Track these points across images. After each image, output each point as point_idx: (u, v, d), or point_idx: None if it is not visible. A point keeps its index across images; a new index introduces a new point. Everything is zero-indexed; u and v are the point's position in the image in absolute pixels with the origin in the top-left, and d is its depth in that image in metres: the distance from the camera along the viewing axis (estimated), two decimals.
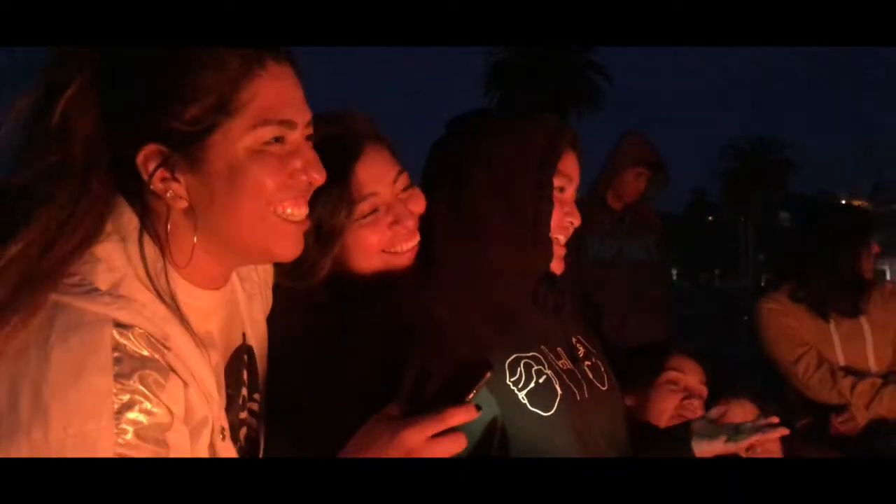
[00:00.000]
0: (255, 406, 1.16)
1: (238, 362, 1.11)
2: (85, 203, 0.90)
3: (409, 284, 1.30)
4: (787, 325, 2.87)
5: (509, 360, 1.24)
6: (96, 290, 0.88)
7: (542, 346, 1.30)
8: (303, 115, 0.99)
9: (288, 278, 1.28)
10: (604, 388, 1.38)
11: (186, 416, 0.92)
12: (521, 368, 1.24)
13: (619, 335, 3.12)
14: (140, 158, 0.91)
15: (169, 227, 0.95)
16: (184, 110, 0.90)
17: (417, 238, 1.34)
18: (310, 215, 1.05)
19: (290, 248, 1.03)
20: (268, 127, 0.94)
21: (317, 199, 1.05)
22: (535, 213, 1.31)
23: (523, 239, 1.31)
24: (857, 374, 2.78)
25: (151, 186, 0.92)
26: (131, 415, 0.84)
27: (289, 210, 0.99)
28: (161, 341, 0.90)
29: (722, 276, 56.08)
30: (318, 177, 1.01)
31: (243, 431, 1.12)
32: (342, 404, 1.20)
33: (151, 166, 0.91)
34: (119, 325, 0.87)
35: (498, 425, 1.19)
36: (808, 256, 2.89)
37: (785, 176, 47.69)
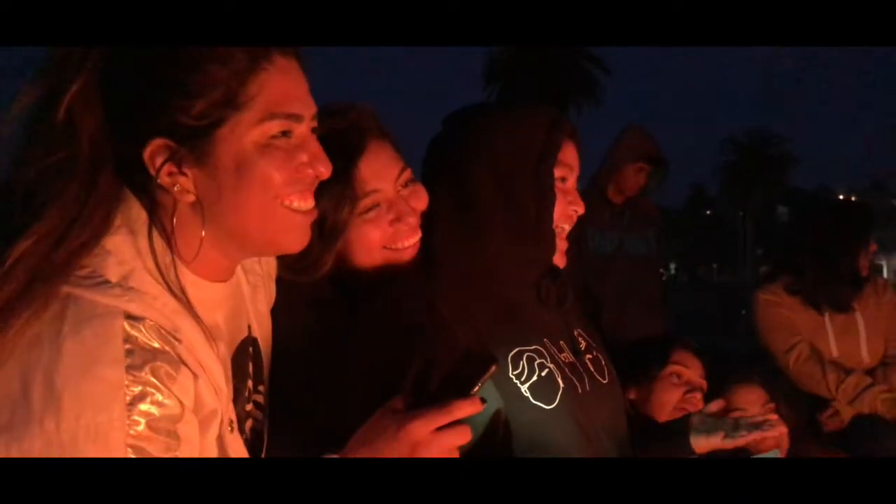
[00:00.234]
0: (259, 398, 1.17)
1: (244, 354, 1.11)
2: (94, 199, 0.90)
3: (412, 280, 1.31)
4: (782, 315, 2.91)
5: (512, 353, 1.25)
6: (107, 282, 0.88)
7: (545, 340, 1.31)
8: (309, 109, 0.99)
9: (290, 272, 1.28)
10: (604, 382, 1.39)
11: (196, 408, 0.92)
12: (523, 362, 1.25)
13: (617, 328, 3.13)
14: (147, 153, 0.91)
15: (175, 220, 0.96)
16: (191, 105, 0.90)
17: (419, 234, 1.34)
18: (315, 207, 1.06)
19: (297, 238, 1.03)
20: (275, 121, 0.94)
21: (320, 194, 1.05)
22: (537, 207, 1.31)
23: (525, 233, 1.32)
24: (846, 370, 2.82)
25: (159, 180, 0.92)
26: (143, 406, 0.84)
27: (295, 203, 0.99)
28: (172, 333, 0.91)
29: (720, 270, 56.11)
30: (325, 170, 1.01)
31: (249, 423, 1.13)
32: (346, 399, 1.21)
33: (159, 161, 0.92)
34: (130, 317, 0.87)
35: (501, 418, 1.20)
36: (806, 251, 2.92)
37: (784, 171, 47.64)
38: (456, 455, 1.03)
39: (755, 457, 1.50)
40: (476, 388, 1.03)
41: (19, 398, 0.81)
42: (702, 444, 1.58)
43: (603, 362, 1.42)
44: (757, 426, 1.56)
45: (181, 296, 0.94)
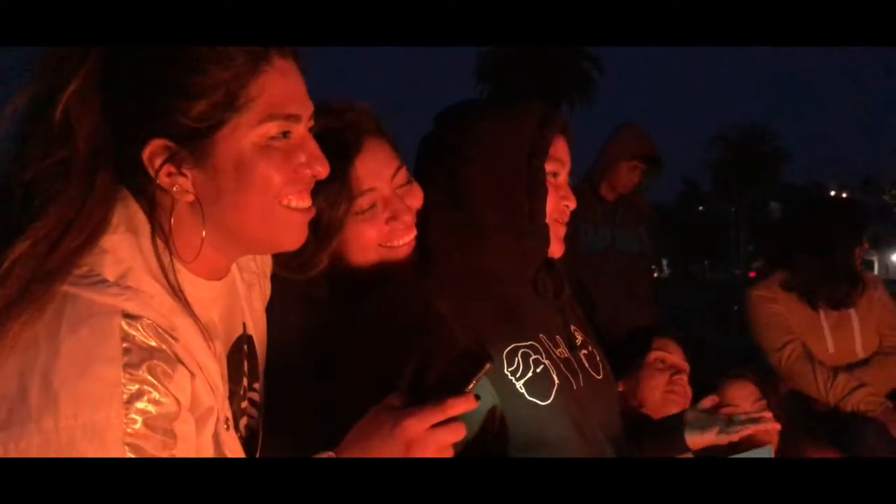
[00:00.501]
0: (255, 396, 1.17)
1: (239, 352, 1.12)
2: (91, 200, 0.90)
3: (408, 278, 1.31)
4: (775, 312, 2.92)
5: (507, 349, 1.25)
6: (104, 281, 0.89)
7: (541, 335, 1.31)
8: (306, 109, 1.00)
9: (286, 269, 1.29)
10: (599, 378, 1.39)
11: (193, 407, 0.93)
12: (518, 358, 1.25)
13: (609, 324, 3.14)
14: (146, 154, 0.92)
15: (174, 220, 0.96)
16: (191, 106, 0.90)
17: (415, 232, 1.35)
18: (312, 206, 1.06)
19: (295, 237, 1.04)
20: (274, 122, 0.94)
21: (317, 193, 1.06)
22: (530, 203, 1.32)
23: (519, 228, 1.32)
24: (835, 369, 2.84)
25: (158, 181, 0.93)
26: (140, 405, 0.85)
27: (294, 202, 1.00)
28: (168, 332, 0.91)
29: (712, 267, 56.25)
30: (322, 170, 1.02)
31: (244, 421, 1.13)
32: (341, 396, 1.21)
33: (158, 162, 0.92)
34: (127, 315, 0.87)
35: (497, 414, 1.20)
36: (802, 247, 2.93)
37: (776, 167, 47.75)
38: (451, 452, 1.03)
39: (747, 453, 1.51)
40: (471, 386, 1.04)
41: (17, 397, 0.81)
42: (696, 440, 1.59)
43: (597, 358, 1.43)
44: (750, 422, 1.57)
45: (178, 294, 0.94)
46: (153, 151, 0.92)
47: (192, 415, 0.92)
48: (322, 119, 1.07)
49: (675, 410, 1.87)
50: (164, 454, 0.86)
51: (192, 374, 0.93)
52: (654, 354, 2.29)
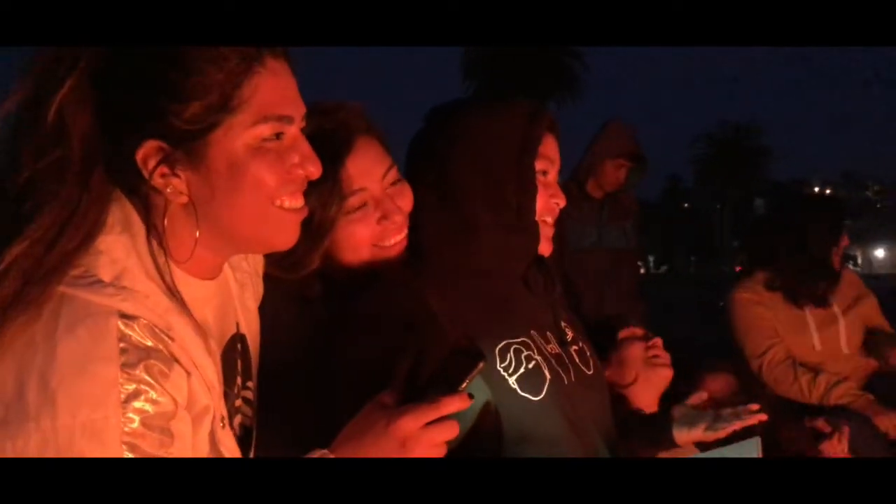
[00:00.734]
0: (248, 394, 1.18)
1: (232, 351, 1.12)
2: (86, 200, 0.90)
3: (400, 276, 1.32)
4: (758, 315, 2.94)
5: (500, 346, 1.26)
6: (100, 281, 0.89)
7: (532, 331, 1.32)
8: (299, 110, 1.00)
9: (278, 269, 1.29)
10: (589, 373, 1.41)
11: (189, 405, 0.93)
12: (510, 354, 1.26)
13: (595, 320, 3.16)
14: (140, 155, 0.91)
15: (167, 220, 0.96)
16: (184, 108, 0.90)
17: (405, 231, 1.35)
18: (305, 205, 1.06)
19: (288, 236, 1.04)
20: (268, 123, 0.94)
21: (308, 192, 1.06)
22: (519, 201, 1.32)
23: (509, 226, 1.33)
24: (816, 370, 2.87)
25: (152, 182, 0.93)
26: (137, 404, 0.85)
27: (287, 203, 1.00)
28: (164, 332, 0.91)
29: (697, 262, 56.52)
30: (315, 170, 1.02)
31: (238, 419, 1.13)
32: (334, 394, 1.22)
33: (152, 163, 0.92)
34: (124, 315, 0.88)
35: (490, 410, 1.21)
36: (782, 245, 2.96)
37: (759, 163, 48.04)
38: (444, 449, 1.04)
39: (734, 445, 1.52)
40: (464, 385, 1.05)
41: (14, 397, 0.82)
42: (684, 436, 1.60)
43: (588, 353, 1.44)
44: (737, 416, 1.58)
45: (174, 294, 0.94)
46: (147, 153, 0.92)
47: (188, 413, 0.93)
48: (313, 119, 1.08)
49: (664, 373, 1.85)
50: (161, 453, 0.86)
51: (189, 374, 0.93)
52: (622, 333, 2.30)
